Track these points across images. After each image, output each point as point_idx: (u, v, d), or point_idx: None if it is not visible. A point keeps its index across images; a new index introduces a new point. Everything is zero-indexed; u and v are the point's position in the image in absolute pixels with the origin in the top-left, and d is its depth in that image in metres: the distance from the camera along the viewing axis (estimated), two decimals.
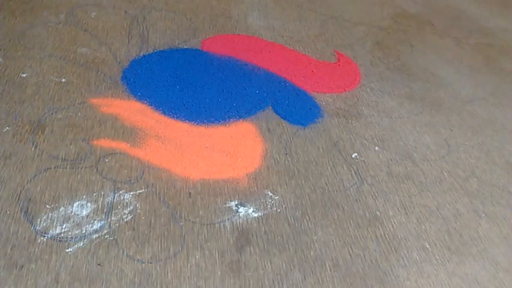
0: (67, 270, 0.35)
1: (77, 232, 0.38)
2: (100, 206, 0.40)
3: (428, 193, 0.50)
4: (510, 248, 0.47)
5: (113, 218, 0.39)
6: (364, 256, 0.42)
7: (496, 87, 0.71)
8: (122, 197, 0.41)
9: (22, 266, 0.35)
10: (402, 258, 0.43)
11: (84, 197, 0.40)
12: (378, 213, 0.46)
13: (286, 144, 0.51)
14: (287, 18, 0.73)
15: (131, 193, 0.42)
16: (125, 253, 0.37)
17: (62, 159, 0.45)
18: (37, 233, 0.37)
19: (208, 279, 0.37)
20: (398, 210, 0.47)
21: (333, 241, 0.42)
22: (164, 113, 0.51)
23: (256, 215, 0.43)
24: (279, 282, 0.38)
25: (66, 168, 0.42)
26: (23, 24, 0.57)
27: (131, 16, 0.64)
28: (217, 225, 0.41)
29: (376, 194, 0.48)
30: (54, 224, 0.38)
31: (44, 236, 0.37)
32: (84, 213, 0.39)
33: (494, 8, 0.96)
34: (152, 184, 0.43)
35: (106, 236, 0.38)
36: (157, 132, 0.48)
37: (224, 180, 0.45)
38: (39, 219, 0.38)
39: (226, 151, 0.48)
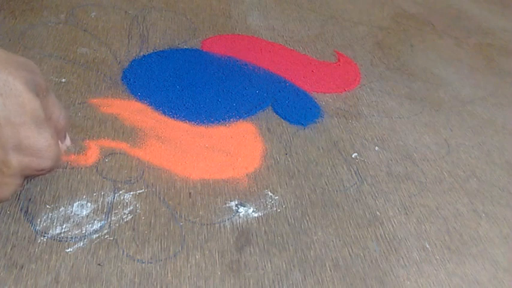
0: (67, 270, 0.35)
1: (77, 232, 0.38)
2: (100, 206, 0.40)
3: (428, 193, 0.50)
4: (510, 248, 0.47)
5: (113, 218, 0.39)
6: (364, 256, 0.42)
7: (496, 87, 0.71)
8: (122, 197, 0.41)
9: (22, 266, 0.35)
10: (402, 258, 0.43)
11: (84, 197, 0.40)
12: (378, 213, 0.46)
13: (286, 144, 0.51)
14: (287, 18, 0.73)
15: (131, 193, 0.42)
16: (125, 253, 0.37)
17: None
18: (37, 233, 0.37)
19: (208, 279, 0.37)
20: (398, 210, 0.47)
21: (333, 241, 0.42)
22: (164, 113, 0.51)
23: (256, 215, 0.43)
24: (279, 282, 0.38)
25: (66, 168, 0.42)
26: (23, 24, 0.57)
27: (131, 16, 0.64)
28: (217, 225, 0.41)
29: (376, 194, 0.48)
30: (54, 224, 0.38)
31: (44, 236, 0.37)
32: (84, 213, 0.39)
33: (494, 8, 0.96)
34: (152, 184, 0.43)
35: (106, 236, 0.38)
36: (157, 132, 0.48)
37: (224, 180, 0.45)
38: (39, 219, 0.38)
39: (226, 151, 0.48)
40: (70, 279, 0.35)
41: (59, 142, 0.33)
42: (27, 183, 0.40)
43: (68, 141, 0.37)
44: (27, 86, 0.29)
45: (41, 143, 0.30)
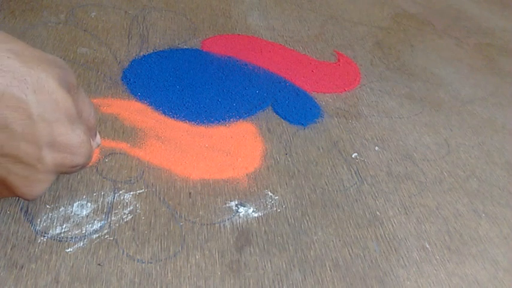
0: (67, 270, 0.35)
1: (77, 232, 0.38)
2: (100, 206, 0.40)
3: (428, 193, 0.50)
4: (510, 248, 0.47)
5: (113, 218, 0.39)
6: (364, 256, 0.42)
7: (496, 87, 0.71)
8: (122, 197, 0.41)
9: (22, 266, 0.35)
10: (402, 258, 0.43)
11: (84, 197, 0.40)
12: (378, 213, 0.46)
13: (286, 144, 0.51)
14: (287, 18, 0.73)
15: (131, 193, 0.42)
16: (125, 253, 0.37)
17: None
18: (37, 233, 0.37)
19: (208, 279, 0.37)
20: (398, 210, 0.47)
21: (333, 241, 0.42)
22: (164, 113, 0.51)
23: (256, 215, 0.43)
24: (279, 282, 0.38)
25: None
26: (23, 24, 0.57)
27: (131, 16, 0.64)
28: (217, 225, 0.41)
29: (376, 194, 0.48)
30: (54, 224, 0.38)
31: (44, 236, 0.37)
32: (84, 213, 0.39)
33: (494, 8, 0.96)
34: (152, 184, 0.43)
35: (106, 236, 0.38)
36: (157, 132, 0.48)
37: (224, 180, 0.45)
38: (39, 219, 0.38)
39: (226, 151, 0.48)
40: (70, 279, 0.35)
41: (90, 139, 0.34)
42: None
43: (98, 139, 0.37)
44: (59, 83, 0.29)
45: (74, 140, 0.30)
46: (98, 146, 0.38)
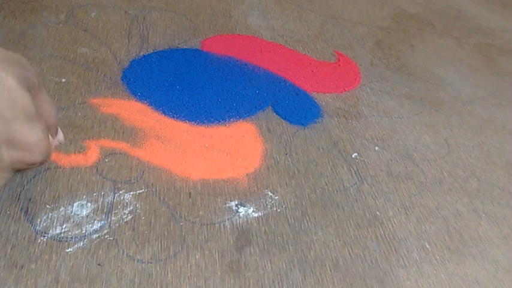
0: (67, 270, 0.35)
1: (77, 232, 0.38)
2: (100, 206, 0.40)
3: (428, 193, 0.50)
4: (510, 248, 0.47)
5: (113, 218, 0.39)
6: (364, 256, 0.42)
7: (496, 87, 0.71)
8: (122, 197, 0.41)
9: (22, 266, 0.35)
10: (402, 258, 0.43)
11: (84, 197, 0.40)
12: (378, 213, 0.46)
13: (286, 144, 0.51)
14: (287, 18, 0.73)
15: (131, 193, 0.42)
16: (125, 253, 0.37)
17: None
18: (37, 233, 0.37)
19: (208, 279, 0.37)
20: (398, 210, 0.47)
21: (333, 241, 0.42)
22: (164, 113, 0.51)
23: (256, 215, 0.43)
24: (279, 282, 0.38)
25: (66, 168, 0.42)
26: (23, 24, 0.57)
27: (131, 16, 0.64)
28: (217, 225, 0.41)
29: (376, 194, 0.48)
30: (54, 224, 0.38)
31: (44, 236, 0.37)
32: (84, 213, 0.39)
33: (494, 8, 0.96)
34: (152, 184, 0.43)
35: (106, 236, 0.38)
36: (157, 132, 0.48)
37: (224, 180, 0.45)
38: (39, 219, 0.38)
39: (226, 151, 0.48)
40: (70, 279, 0.35)
41: (50, 137, 0.35)
42: (27, 183, 0.40)
43: (60, 135, 0.38)
44: (19, 82, 0.30)
45: (32, 138, 0.31)
46: (60, 143, 0.38)
